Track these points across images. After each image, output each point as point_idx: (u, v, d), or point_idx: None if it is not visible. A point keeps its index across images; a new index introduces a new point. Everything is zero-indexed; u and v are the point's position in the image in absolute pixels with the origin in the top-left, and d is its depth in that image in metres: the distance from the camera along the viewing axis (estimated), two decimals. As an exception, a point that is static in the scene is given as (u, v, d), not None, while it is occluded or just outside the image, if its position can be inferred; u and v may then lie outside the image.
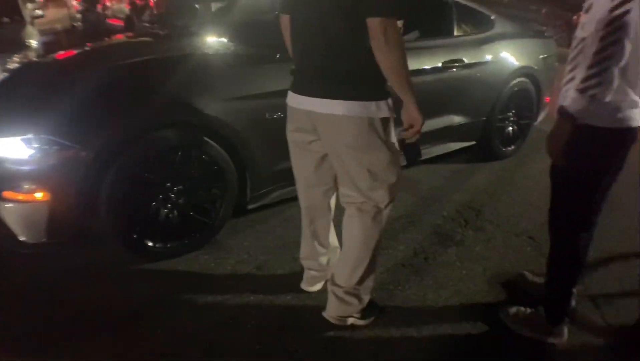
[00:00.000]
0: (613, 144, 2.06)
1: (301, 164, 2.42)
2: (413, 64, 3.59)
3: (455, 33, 4.31)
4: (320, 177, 2.39)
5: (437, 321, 2.50)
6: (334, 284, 2.39)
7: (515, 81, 4.46)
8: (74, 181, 2.64)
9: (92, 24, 12.57)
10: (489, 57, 4.23)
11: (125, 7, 11.80)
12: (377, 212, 2.27)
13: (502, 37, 4.43)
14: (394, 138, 2.20)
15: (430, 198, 3.86)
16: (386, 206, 2.28)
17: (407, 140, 2.18)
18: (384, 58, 1.93)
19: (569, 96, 1.95)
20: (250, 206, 3.19)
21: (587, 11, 1.92)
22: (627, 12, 1.79)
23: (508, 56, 4.40)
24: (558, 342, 2.37)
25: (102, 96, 2.80)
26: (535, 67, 4.56)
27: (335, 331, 2.39)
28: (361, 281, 2.35)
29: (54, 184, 2.64)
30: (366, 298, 2.43)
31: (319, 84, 2.11)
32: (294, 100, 2.25)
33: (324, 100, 2.09)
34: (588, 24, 1.87)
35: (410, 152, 2.31)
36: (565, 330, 2.37)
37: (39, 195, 2.63)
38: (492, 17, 4.57)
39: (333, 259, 2.63)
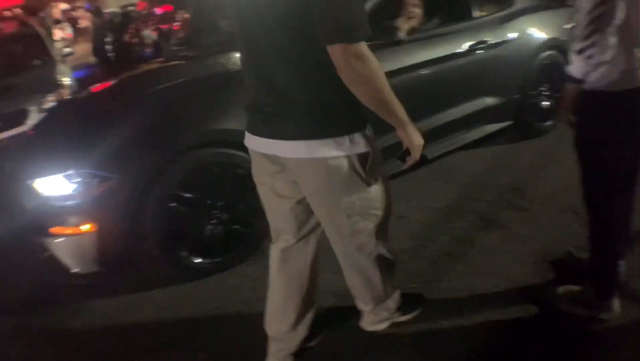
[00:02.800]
0: (631, 106, 2.03)
1: (275, 211, 2.12)
2: (438, 51, 3.68)
3: (476, 14, 4.26)
4: (301, 222, 2.07)
5: (487, 308, 2.48)
6: (358, 305, 2.33)
7: (543, 55, 4.39)
8: (118, 210, 2.75)
9: (123, 54, 12.90)
10: (513, 34, 4.17)
11: (152, 34, 12.06)
12: (367, 255, 2.03)
13: (523, 12, 4.37)
14: (379, 169, 1.90)
15: (472, 183, 3.83)
16: (378, 244, 2.02)
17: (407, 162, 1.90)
18: (357, 90, 1.64)
19: (571, 58, 2.00)
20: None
21: None
22: None
23: (532, 31, 4.34)
24: (610, 317, 2.32)
25: (136, 123, 2.90)
26: (562, 38, 4.46)
27: (385, 329, 2.39)
28: (382, 300, 2.25)
29: (99, 215, 2.75)
30: (393, 305, 2.31)
31: (279, 122, 1.78)
32: (253, 143, 1.95)
33: (288, 142, 1.77)
34: None
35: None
36: (617, 304, 2.32)
37: (86, 227, 2.76)
38: (511, -6, 4.50)
39: None
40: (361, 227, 1.93)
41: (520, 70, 4.27)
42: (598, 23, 1.85)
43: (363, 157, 1.79)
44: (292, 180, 1.91)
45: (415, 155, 1.85)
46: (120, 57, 12.67)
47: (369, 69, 1.58)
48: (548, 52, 4.42)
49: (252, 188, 2.95)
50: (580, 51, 1.93)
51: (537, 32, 4.36)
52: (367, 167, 1.81)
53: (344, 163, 1.76)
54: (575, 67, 1.99)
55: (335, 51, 1.56)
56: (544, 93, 4.55)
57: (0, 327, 2.93)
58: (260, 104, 1.84)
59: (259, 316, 2.29)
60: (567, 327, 2.33)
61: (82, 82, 7.99)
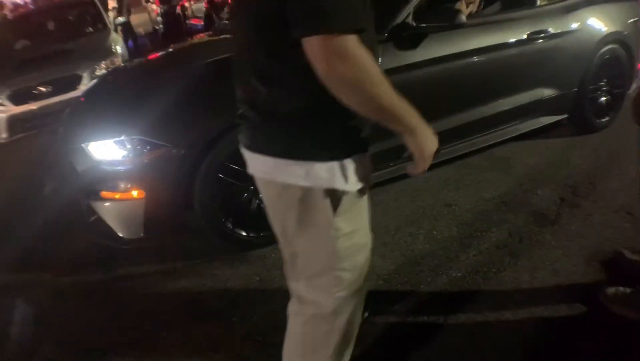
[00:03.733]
0: None
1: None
2: (498, 38, 3.59)
3: (539, 3, 4.13)
4: None
5: (533, 303, 2.44)
6: None
7: (605, 48, 4.23)
8: (167, 178, 2.78)
9: (173, 26, 12.99)
10: (575, 25, 4.03)
11: (204, 6, 12.09)
12: (319, 315, 1.56)
13: (587, 3, 4.20)
14: (359, 215, 1.48)
15: (524, 175, 3.74)
16: (334, 313, 1.54)
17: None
18: (344, 99, 1.20)
19: None
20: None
21: None
22: None
23: (595, 23, 4.18)
24: None
25: (188, 95, 2.91)
26: (625, 33, 4.31)
27: (430, 317, 2.38)
28: None
29: (149, 182, 2.79)
30: None
31: (246, 128, 1.47)
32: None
33: (252, 154, 1.46)
34: None
35: None
36: None
37: (135, 193, 2.80)
38: (576, -17, 4.35)
39: None
40: (318, 283, 1.52)
41: (581, 63, 4.13)
42: None
43: (334, 195, 1.37)
44: None
45: (423, 166, 1.41)
46: (170, 30, 12.76)
47: (356, 72, 1.15)
48: (609, 46, 4.26)
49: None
50: None
51: (599, 24, 4.19)
52: (338, 209, 1.39)
53: (305, 196, 1.37)
54: None
55: (311, 47, 1.14)
56: (602, 88, 4.40)
57: (45, 285, 3.02)
58: (242, 108, 1.50)
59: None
60: (613, 329, 2.27)
61: (132, 52, 8.10)
